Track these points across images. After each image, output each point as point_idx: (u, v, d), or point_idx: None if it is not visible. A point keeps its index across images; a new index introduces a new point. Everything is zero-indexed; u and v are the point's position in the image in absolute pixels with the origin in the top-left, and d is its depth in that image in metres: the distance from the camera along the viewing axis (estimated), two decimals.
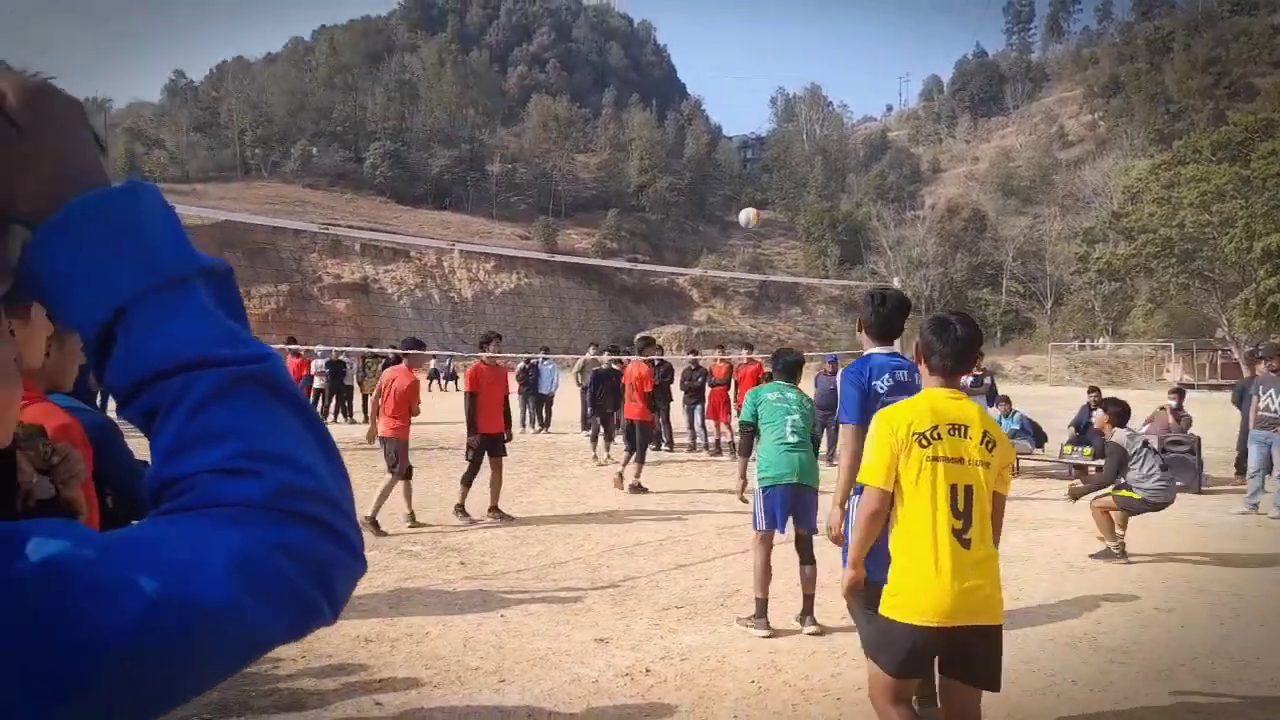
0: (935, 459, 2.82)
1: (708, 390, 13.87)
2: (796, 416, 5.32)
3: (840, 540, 3.74)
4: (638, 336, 16.16)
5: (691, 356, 15.07)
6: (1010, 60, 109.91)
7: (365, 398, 18.27)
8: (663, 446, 14.13)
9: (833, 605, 5.57)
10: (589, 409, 12.77)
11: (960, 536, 2.78)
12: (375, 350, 20.41)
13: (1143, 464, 7.02)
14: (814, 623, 5.09)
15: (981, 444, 2.87)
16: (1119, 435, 7.18)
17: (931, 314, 3.28)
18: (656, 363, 14.53)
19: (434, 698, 4.06)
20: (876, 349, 4.04)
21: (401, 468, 7.91)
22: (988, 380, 12.63)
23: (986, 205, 72.44)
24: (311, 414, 0.58)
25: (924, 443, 2.84)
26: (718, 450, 13.67)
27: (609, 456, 12.27)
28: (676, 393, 14.32)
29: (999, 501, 2.94)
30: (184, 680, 0.49)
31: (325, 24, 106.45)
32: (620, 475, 10.18)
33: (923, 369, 3.13)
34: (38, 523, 0.48)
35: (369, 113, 77.21)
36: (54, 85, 0.58)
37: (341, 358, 19.73)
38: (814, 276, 63.22)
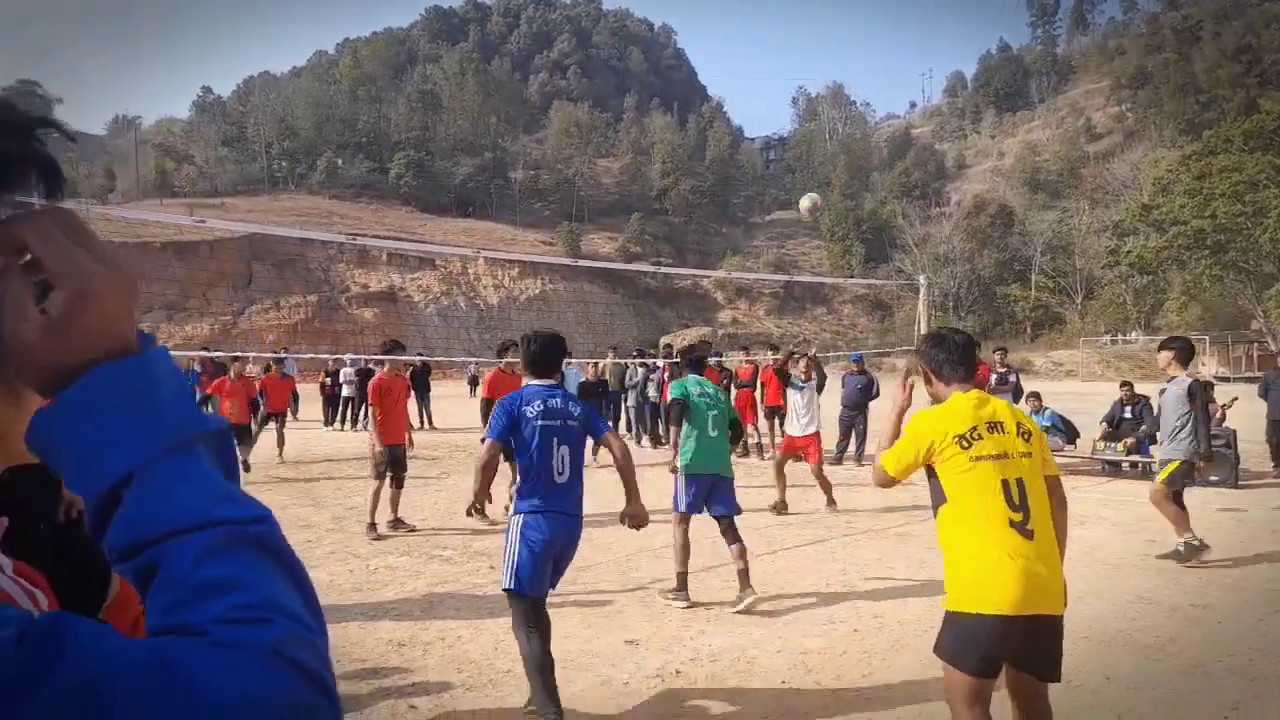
0: (979, 458, 2.89)
1: (733, 392, 13.83)
2: (717, 412, 5.92)
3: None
4: (662, 341, 16.24)
5: (716, 359, 15.04)
6: (1035, 54, 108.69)
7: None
8: None
9: (864, 608, 5.56)
10: None
11: (1022, 528, 2.82)
12: (404, 358, 20.56)
13: (1187, 424, 6.77)
14: (753, 592, 5.47)
15: (1019, 436, 2.97)
16: (1181, 384, 6.79)
17: (929, 334, 3.35)
18: (682, 365, 14.56)
19: (466, 700, 4.10)
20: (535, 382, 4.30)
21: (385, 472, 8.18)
22: (1012, 378, 12.50)
23: (1013, 200, 71.61)
24: (302, 571, 0.61)
25: (965, 444, 2.91)
26: (745, 452, 13.63)
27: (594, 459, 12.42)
28: None
29: (1053, 483, 3.02)
30: None
31: (349, 37, 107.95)
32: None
33: (938, 384, 3.20)
34: (78, 619, 0.50)
35: (393, 123, 77.94)
36: (105, 260, 0.60)
37: (370, 366, 19.92)
38: (839, 276, 62.87)
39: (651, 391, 15.01)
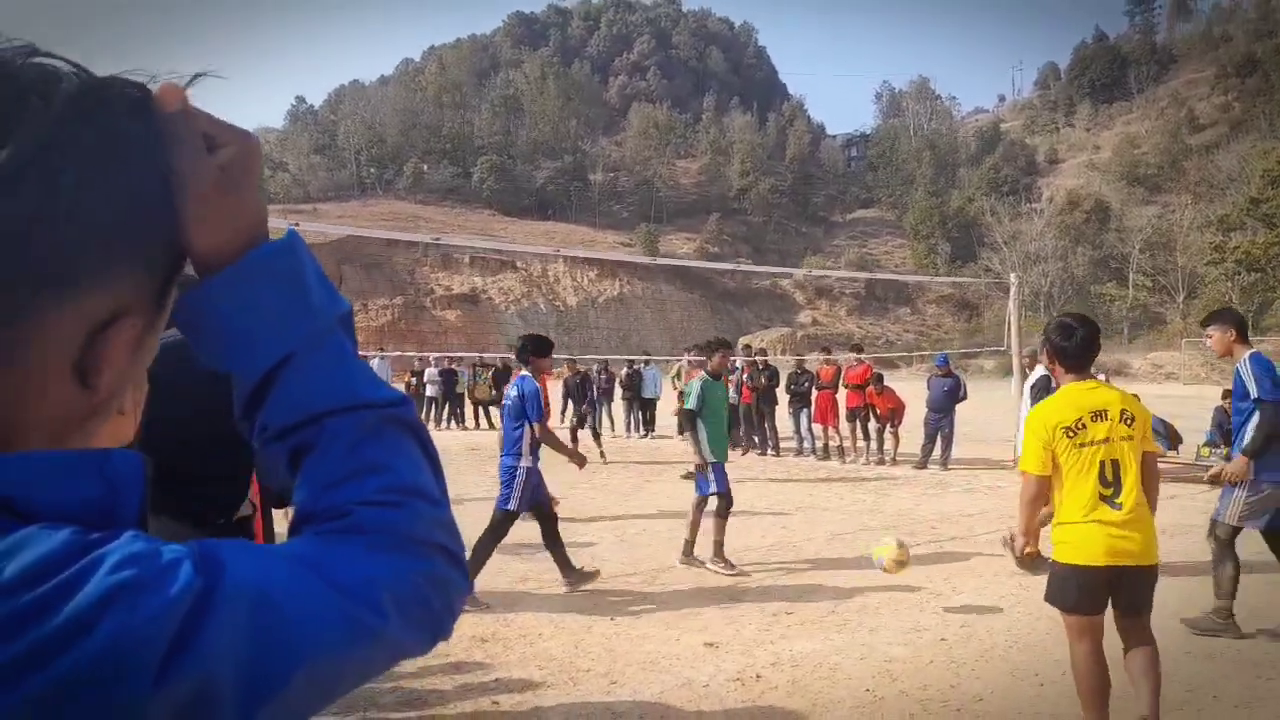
0: (1082, 445, 3.42)
1: (814, 394, 13.64)
2: (725, 411, 6.97)
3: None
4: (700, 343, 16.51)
5: (797, 359, 14.89)
6: (1133, 43, 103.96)
7: (476, 405, 18.80)
8: (768, 451, 14.00)
9: (952, 617, 5.41)
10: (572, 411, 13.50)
11: (1111, 501, 3.40)
12: (485, 358, 21.00)
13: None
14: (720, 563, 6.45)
15: (1121, 421, 3.46)
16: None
17: (1053, 318, 3.76)
18: (760, 365, 14.42)
19: (548, 698, 4.15)
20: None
21: None
22: (1100, 377, 11.97)
23: (1110, 195, 68.73)
24: (433, 448, 0.65)
25: (1071, 434, 3.44)
26: (825, 454, 13.43)
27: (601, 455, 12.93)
28: (781, 396, 14.15)
29: (1150, 461, 3.53)
30: (339, 686, 0.55)
31: (434, 44, 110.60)
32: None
33: (1056, 369, 3.68)
34: (231, 542, 0.53)
35: (475, 128, 79.55)
36: (252, 136, 0.62)
37: (454, 366, 20.38)
38: (924, 275, 61.41)
39: (731, 393, 14.88)
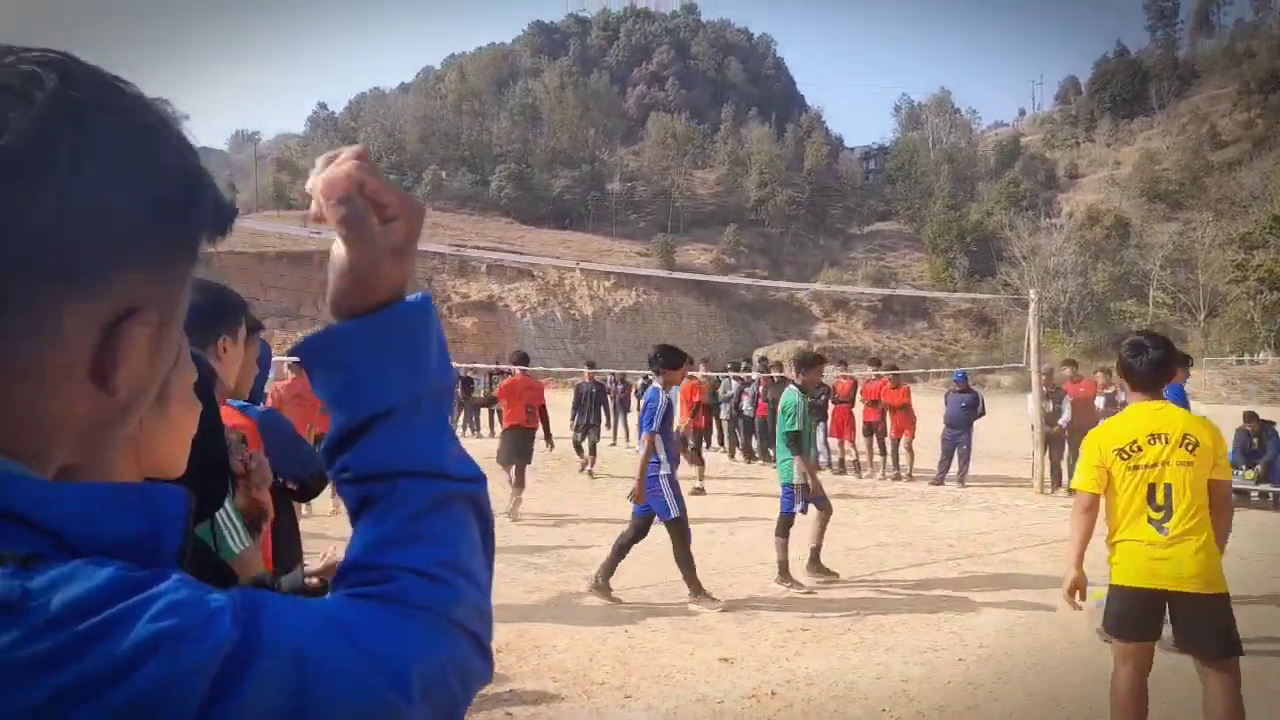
0: (1135, 468, 3.41)
1: (830, 408, 13.55)
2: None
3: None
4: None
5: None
6: (1154, 58, 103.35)
7: (492, 413, 18.82)
8: None
9: (970, 637, 5.36)
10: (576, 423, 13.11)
11: (1159, 524, 3.35)
12: (502, 366, 21.03)
13: None
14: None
15: (1181, 446, 3.38)
16: None
17: (1128, 334, 3.74)
18: (776, 378, 14.37)
19: (562, 710, 4.13)
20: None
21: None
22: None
23: (1130, 211, 68.17)
24: (492, 538, 0.66)
25: (1124, 456, 3.43)
26: (842, 469, 13.36)
27: (590, 471, 12.73)
28: None
29: (1219, 488, 3.44)
30: None
31: (454, 53, 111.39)
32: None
33: (1127, 387, 3.71)
34: (273, 596, 0.54)
35: (494, 136, 79.90)
36: (420, 207, 0.66)
37: (469, 374, 20.43)
38: (941, 289, 61.07)
39: (746, 405, 14.85)
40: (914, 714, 4.14)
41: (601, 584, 6.01)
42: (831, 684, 4.50)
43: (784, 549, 6.53)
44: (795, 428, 6.56)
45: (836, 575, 6.74)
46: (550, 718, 4.06)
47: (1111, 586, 3.50)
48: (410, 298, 0.65)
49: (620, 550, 6.08)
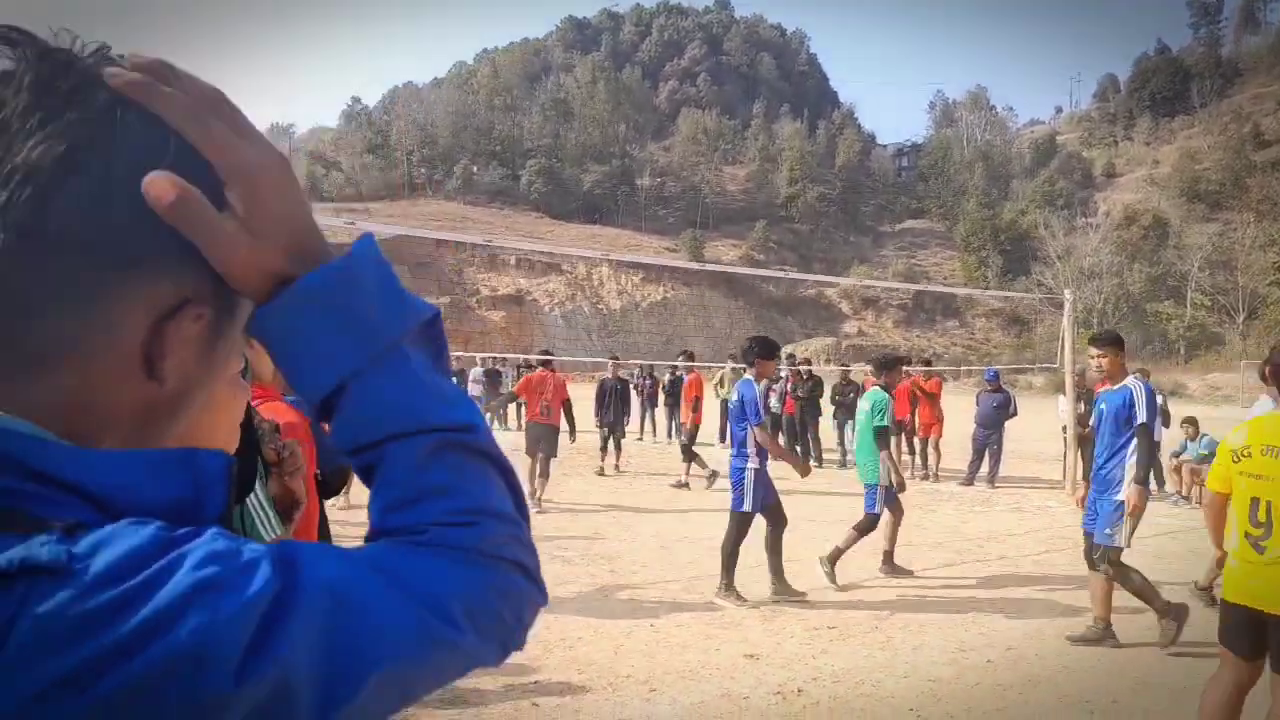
0: (1241, 474, 3.34)
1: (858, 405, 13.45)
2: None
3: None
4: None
5: (842, 369, 14.73)
6: (1196, 55, 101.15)
7: (519, 406, 18.88)
8: (811, 461, 13.87)
9: (998, 638, 5.30)
10: (600, 420, 12.78)
11: (1256, 542, 3.26)
12: (530, 358, 21.12)
13: None
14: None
15: None
16: None
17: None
18: (805, 375, 14.30)
19: (587, 703, 4.15)
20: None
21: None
22: (1158, 399, 11.65)
23: (1169, 211, 66.92)
24: (507, 466, 0.64)
25: (1235, 459, 3.38)
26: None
27: (616, 466, 12.53)
28: (826, 406, 14.00)
29: None
30: (413, 692, 0.56)
31: (487, 47, 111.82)
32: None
33: (1273, 391, 3.69)
34: (309, 545, 0.55)
35: (525, 131, 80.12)
36: (268, 152, 0.58)
37: (498, 367, 20.54)
38: (973, 288, 60.39)
39: (774, 403, 14.77)
40: (942, 714, 4.10)
41: (724, 591, 5.96)
42: (858, 682, 4.47)
43: (852, 542, 6.58)
44: (885, 423, 6.67)
45: (911, 572, 6.87)
46: (575, 709, 4.08)
47: (1221, 599, 3.50)
48: (335, 259, 0.60)
49: (731, 555, 6.05)
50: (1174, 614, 5.07)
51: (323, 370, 0.58)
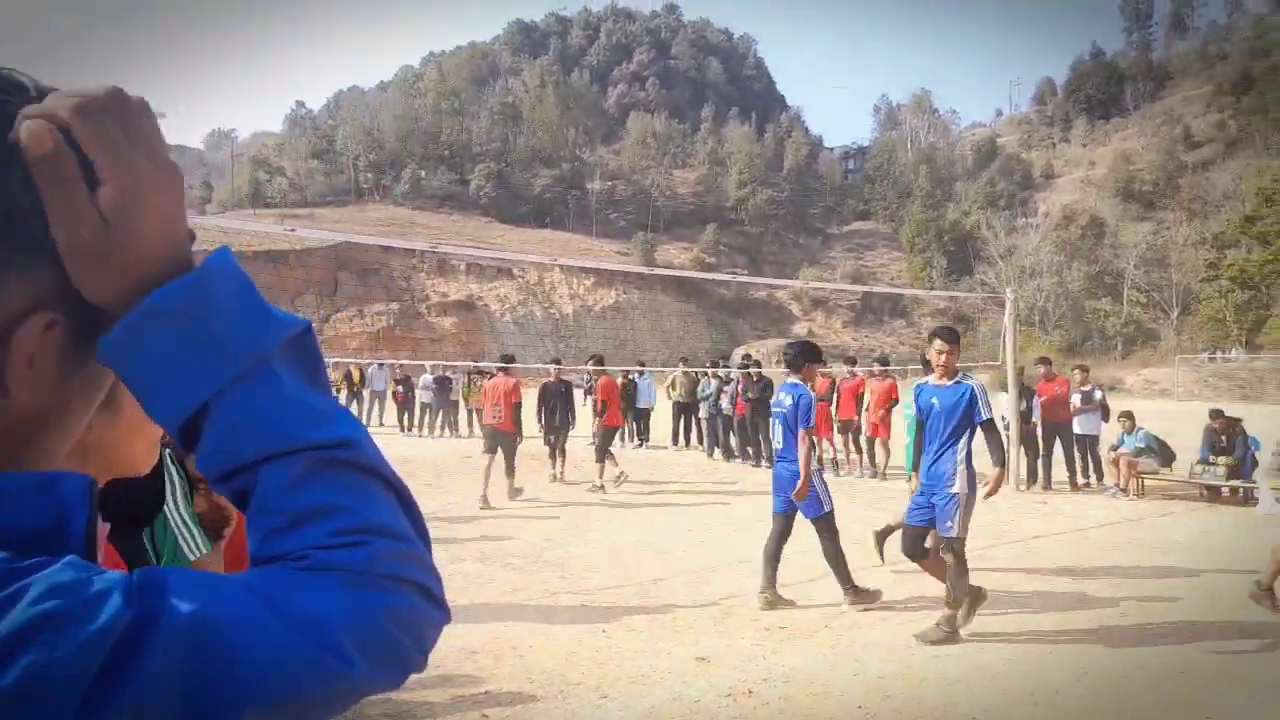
0: None
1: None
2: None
3: None
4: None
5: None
6: (1129, 59, 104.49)
7: (470, 412, 18.72)
8: (762, 463, 13.97)
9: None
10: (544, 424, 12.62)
11: None
12: (480, 366, 20.93)
13: None
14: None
15: None
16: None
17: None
18: (755, 377, 14.40)
19: (537, 711, 4.11)
20: None
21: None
22: (1098, 395, 11.99)
23: (1105, 211, 68.96)
24: (396, 482, 0.60)
25: None
26: (820, 467, 13.39)
27: (559, 476, 12.13)
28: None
29: None
30: None
31: (434, 51, 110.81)
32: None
33: None
34: (171, 569, 0.51)
35: (474, 135, 79.55)
36: (154, 156, 0.56)
37: (448, 374, 20.32)
38: (919, 288, 61.50)
39: (725, 404, 14.87)
40: (890, 710, 4.14)
41: (770, 595, 5.85)
42: (808, 681, 4.50)
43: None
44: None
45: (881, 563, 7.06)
46: (526, 718, 4.03)
47: None
48: (188, 274, 0.56)
49: (773, 558, 5.94)
50: (970, 601, 5.29)
51: (180, 393, 0.54)
